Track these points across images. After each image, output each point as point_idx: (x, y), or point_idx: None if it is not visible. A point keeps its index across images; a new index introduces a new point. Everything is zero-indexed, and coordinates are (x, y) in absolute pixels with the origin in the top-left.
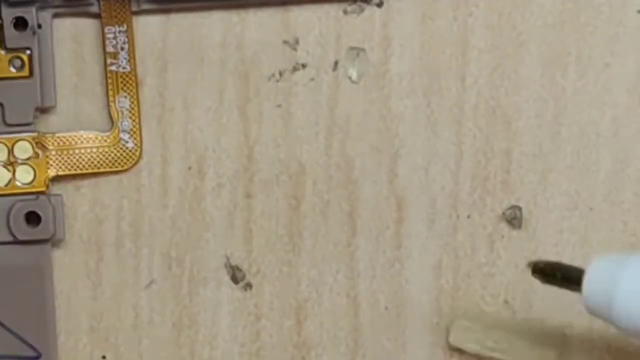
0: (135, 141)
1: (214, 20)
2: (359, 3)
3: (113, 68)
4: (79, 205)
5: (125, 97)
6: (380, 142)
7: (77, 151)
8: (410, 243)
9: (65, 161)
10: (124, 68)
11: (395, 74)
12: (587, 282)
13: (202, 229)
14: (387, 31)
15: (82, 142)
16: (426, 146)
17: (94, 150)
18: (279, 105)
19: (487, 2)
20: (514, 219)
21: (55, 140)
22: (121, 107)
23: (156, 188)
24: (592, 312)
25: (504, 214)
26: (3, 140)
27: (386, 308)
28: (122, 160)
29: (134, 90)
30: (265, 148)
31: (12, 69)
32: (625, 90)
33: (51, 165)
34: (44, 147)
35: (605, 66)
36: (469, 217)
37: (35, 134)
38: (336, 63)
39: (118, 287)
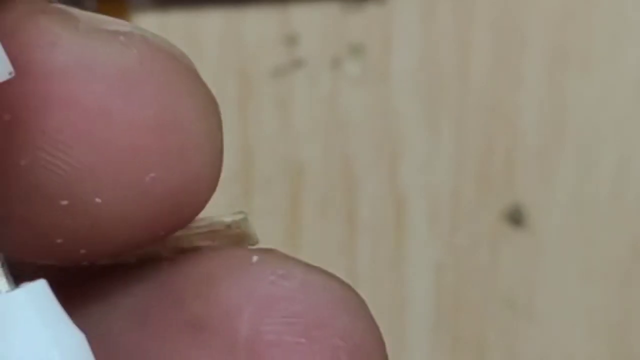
0: None
1: (213, 17)
2: None
3: None
4: None
5: None
6: (381, 141)
7: None
8: (411, 243)
9: None
10: None
11: (396, 72)
12: None
13: None
14: (389, 28)
15: None
16: (427, 145)
17: None
18: (279, 103)
19: None
20: (515, 218)
21: None
22: None
23: None
24: None
25: (505, 213)
26: None
27: (386, 308)
28: None
29: None
30: (265, 146)
31: None
32: (628, 87)
33: None
34: None
35: (608, 64)
36: (470, 216)
37: None
38: (336, 60)
39: None
